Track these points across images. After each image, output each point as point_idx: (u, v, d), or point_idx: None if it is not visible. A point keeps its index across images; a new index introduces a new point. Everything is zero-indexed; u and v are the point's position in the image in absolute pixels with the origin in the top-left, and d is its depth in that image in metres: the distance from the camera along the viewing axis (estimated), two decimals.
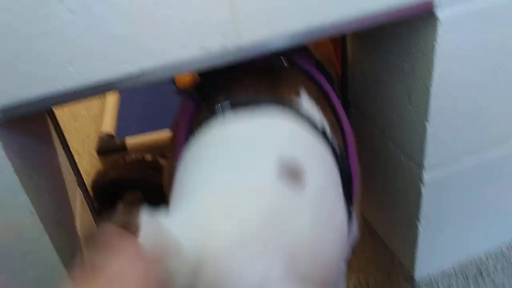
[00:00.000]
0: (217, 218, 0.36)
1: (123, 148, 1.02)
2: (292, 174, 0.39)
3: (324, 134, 0.45)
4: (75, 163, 0.77)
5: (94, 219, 0.79)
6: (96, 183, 0.88)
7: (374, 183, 0.81)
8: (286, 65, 0.54)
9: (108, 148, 1.02)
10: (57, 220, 0.58)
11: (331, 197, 0.41)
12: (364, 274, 0.94)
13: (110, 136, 1.05)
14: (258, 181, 0.38)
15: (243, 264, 0.34)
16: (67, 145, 0.74)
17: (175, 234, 0.34)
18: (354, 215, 0.49)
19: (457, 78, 0.58)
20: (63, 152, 0.73)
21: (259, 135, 0.42)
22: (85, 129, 1.25)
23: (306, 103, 0.48)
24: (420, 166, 0.65)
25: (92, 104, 1.34)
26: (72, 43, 0.39)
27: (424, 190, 0.67)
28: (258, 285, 0.33)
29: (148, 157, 0.91)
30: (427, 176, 0.65)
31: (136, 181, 0.86)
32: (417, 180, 0.66)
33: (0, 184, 0.46)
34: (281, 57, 0.55)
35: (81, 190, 0.78)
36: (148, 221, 0.34)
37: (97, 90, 0.42)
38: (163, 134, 0.98)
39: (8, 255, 0.50)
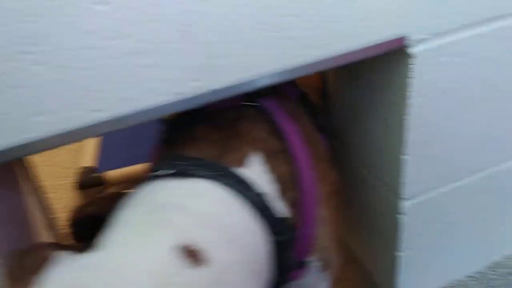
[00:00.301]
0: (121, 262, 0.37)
1: (103, 181, 1.01)
2: (190, 253, 0.39)
3: (260, 204, 0.45)
4: (47, 208, 0.76)
5: None
6: (74, 219, 0.86)
7: (355, 211, 0.81)
8: (251, 114, 0.54)
9: (89, 182, 1.01)
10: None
11: (237, 277, 0.41)
12: None
13: (90, 170, 1.04)
14: (150, 255, 0.38)
15: None
16: (39, 190, 0.73)
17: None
18: (313, 263, 0.51)
19: (433, 110, 0.59)
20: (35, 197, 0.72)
21: (174, 209, 0.42)
22: (59, 161, 1.24)
23: (254, 168, 0.48)
24: (398, 196, 0.65)
25: None
26: (42, 94, 0.39)
27: (403, 219, 0.67)
28: None
29: (129, 189, 0.90)
30: (407, 204, 0.66)
31: None
32: (396, 210, 0.66)
33: None
34: (249, 104, 0.55)
35: (53, 233, 0.77)
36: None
37: (69, 138, 0.41)
38: (144, 167, 0.97)
39: None
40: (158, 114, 0.43)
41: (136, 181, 0.50)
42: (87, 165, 1.04)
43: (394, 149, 0.62)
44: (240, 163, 0.48)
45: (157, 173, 0.47)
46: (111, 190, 0.94)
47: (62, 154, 1.30)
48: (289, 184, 0.50)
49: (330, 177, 0.57)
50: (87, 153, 1.07)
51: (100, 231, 0.44)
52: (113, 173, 1.02)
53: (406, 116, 0.57)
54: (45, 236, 0.76)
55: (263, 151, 0.50)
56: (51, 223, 0.76)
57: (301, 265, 0.52)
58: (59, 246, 0.41)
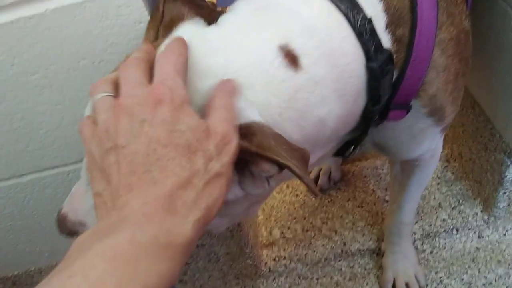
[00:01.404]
0: (223, 43, 0.43)
1: None
2: (290, 56, 0.42)
3: (366, 28, 0.46)
4: None
5: None
6: None
7: (482, 55, 0.84)
8: None
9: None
10: None
11: (323, 92, 0.45)
12: (458, 145, 1.06)
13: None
14: (256, 43, 0.43)
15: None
16: None
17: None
18: (419, 108, 0.55)
19: None
20: None
21: (286, 11, 0.45)
22: None
23: None
24: None
25: None
26: None
27: None
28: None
29: None
30: None
31: None
32: None
33: (140, 33, 0.46)
34: None
35: None
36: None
37: None
38: None
39: None
40: None
41: None
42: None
43: None
44: None
45: None
46: None
47: None
48: (402, 20, 0.49)
49: (458, 23, 0.55)
50: None
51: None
52: None
53: None
54: None
55: None
56: None
57: (403, 107, 0.54)
58: (195, 5, 0.47)
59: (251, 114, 0.40)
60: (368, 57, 0.47)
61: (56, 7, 0.49)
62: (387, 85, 0.49)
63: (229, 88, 0.40)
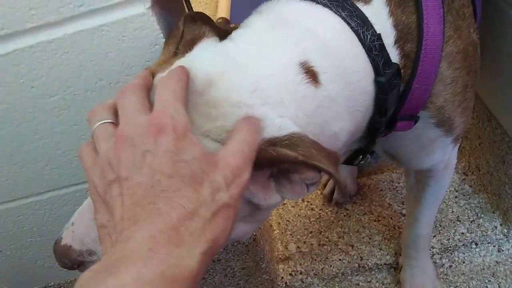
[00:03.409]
0: (235, 66, 0.43)
1: None
2: (310, 72, 0.43)
3: (375, 44, 0.47)
4: None
5: None
6: None
7: (498, 65, 0.83)
8: None
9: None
10: None
11: (337, 109, 0.46)
12: (475, 157, 1.05)
13: (225, 21, 0.99)
14: (278, 60, 0.44)
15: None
16: None
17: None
18: (427, 119, 0.56)
19: None
20: None
21: (300, 29, 0.46)
22: None
23: (378, 8, 0.49)
24: None
25: None
26: None
27: None
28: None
29: None
30: None
31: None
32: None
33: (155, 56, 0.53)
34: None
35: None
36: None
37: None
38: None
39: None
40: None
41: None
42: (222, 16, 1.00)
43: None
44: (366, 0, 0.49)
45: None
46: None
47: (197, 7, 1.42)
48: (411, 36, 0.50)
49: (465, 36, 0.55)
50: (222, 7, 1.05)
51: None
52: None
53: None
54: None
55: None
56: None
57: (410, 118, 0.55)
58: (213, 26, 0.49)
59: (290, 125, 0.41)
60: (377, 72, 0.48)
61: (74, 31, 0.50)
62: (394, 98, 0.51)
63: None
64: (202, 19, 0.49)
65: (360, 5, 0.48)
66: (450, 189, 1.06)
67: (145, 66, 0.54)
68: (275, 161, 0.39)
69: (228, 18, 1.08)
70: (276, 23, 0.47)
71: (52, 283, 0.90)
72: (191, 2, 0.66)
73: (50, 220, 0.75)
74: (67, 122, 0.60)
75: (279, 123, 0.41)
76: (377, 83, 0.48)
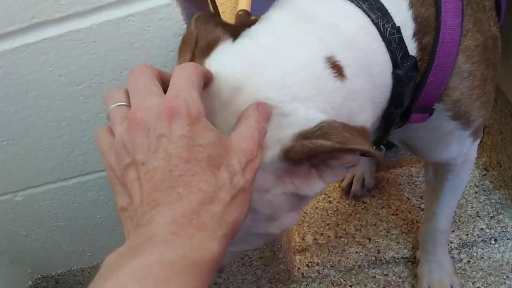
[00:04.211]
0: (260, 66, 0.42)
1: None
2: (336, 66, 0.44)
3: (395, 37, 0.48)
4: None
5: None
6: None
7: None
8: None
9: (246, 24, 0.99)
10: None
11: (360, 101, 0.46)
12: (496, 153, 1.04)
13: (246, 13, 1.00)
14: (304, 56, 0.44)
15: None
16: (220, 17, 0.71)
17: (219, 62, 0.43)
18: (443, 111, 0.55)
19: None
20: None
21: (323, 24, 0.46)
22: (221, 7, 1.19)
23: (398, 1, 0.49)
24: None
25: None
26: None
27: None
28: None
29: None
30: None
31: None
32: None
33: None
34: None
35: None
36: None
37: None
38: None
39: None
40: None
41: None
42: (243, 8, 1.01)
43: None
44: None
45: None
46: None
47: (223, 0, 1.47)
48: (429, 28, 0.50)
49: (485, 29, 0.55)
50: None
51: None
52: None
53: None
54: None
55: None
56: None
57: (424, 110, 0.55)
58: (225, 25, 0.48)
59: (316, 115, 0.41)
60: (395, 65, 0.48)
61: (101, 21, 0.52)
62: (410, 90, 0.51)
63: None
64: (213, 18, 0.48)
65: None
66: (470, 184, 1.05)
67: (169, 56, 0.55)
68: (313, 154, 0.40)
69: (249, 10, 1.08)
70: (298, 17, 0.47)
71: (75, 267, 0.93)
72: None
73: (75, 206, 0.77)
74: (92, 110, 0.61)
75: (306, 115, 0.41)
76: (394, 75, 0.49)
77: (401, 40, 0.48)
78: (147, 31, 0.53)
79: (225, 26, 0.48)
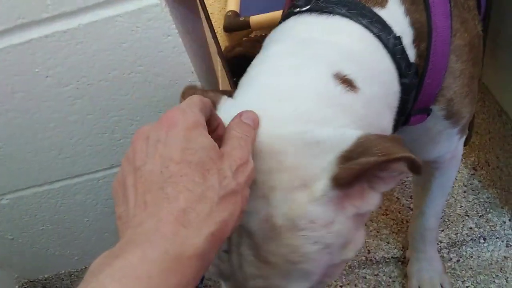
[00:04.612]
0: (271, 102, 0.42)
1: (247, 25, 0.99)
2: (345, 80, 0.43)
3: (396, 46, 0.48)
4: (216, 35, 0.76)
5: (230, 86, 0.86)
6: (227, 58, 0.88)
7: (508, 57, 0.83)
8: None
9: (234, 25, 0.99)
10: (209, 79, 0.68)
11: (377, 108, 0.47)
12: (485, 152, 1.05)
13: (235, 14, 1.00)
14: (311, 79, 0.43)
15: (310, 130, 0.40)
16: (209, 18, 0.72)
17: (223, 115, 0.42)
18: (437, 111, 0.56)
19: None
20: (206, 25, 0.74)
21: (321, 44, 0.46)
22: (209, 8, 1.19)
23: (394, 9, 0.50)
24: None
25: None
26: None
27: None
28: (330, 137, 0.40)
29: None
30: None
31: None
32: None
33: (168, 46, 0.52)
34: None
35: (221, 59, 0.84)
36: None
37: None
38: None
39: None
40: None
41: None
42: (231, 9, 1.00)
43: None
44: (380, 3, 0.49)
45: (295, 10, 0.49)
46: (255, 34, 0.93)
47: (211, 1, 1.45)
48: (424, 33, 0.51)
49: (471, 28, 0.56)
50: (231, 1, 1.04)
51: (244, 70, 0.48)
52: (256, 18, 1.00)
53: None
54: (216, 61, 0.79)
55: None
56: (219, 51, 0.78)
57: (423, 111, 0.56)
58: (214, 90, 0.48)
59: (349, 133, 0.40)
60: (401, 74, 0.49)
61: (88, 21, 0.51)
62: (413, 96, 0.52)
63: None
64: (198, 89, 0.48)
65: (377, 10, 0.48)
66: (459, 183, 1.06)
67: (157, 56, 0.54)
68: (361, 173, 0.39)
69: (238, 11, 1.07)
70: (295, 45, 0.47)
71: (63, 271, 0.91)
72: None
73: (62, 209, 0.76)
74: (80, 112, 0.61)
75: (339, 135, 0.40)
76: (401, 85, 0.49)
77: (403, 50, 0.49)
78: (135, 31, 0.52)
79: (214, 90, 0.48)
